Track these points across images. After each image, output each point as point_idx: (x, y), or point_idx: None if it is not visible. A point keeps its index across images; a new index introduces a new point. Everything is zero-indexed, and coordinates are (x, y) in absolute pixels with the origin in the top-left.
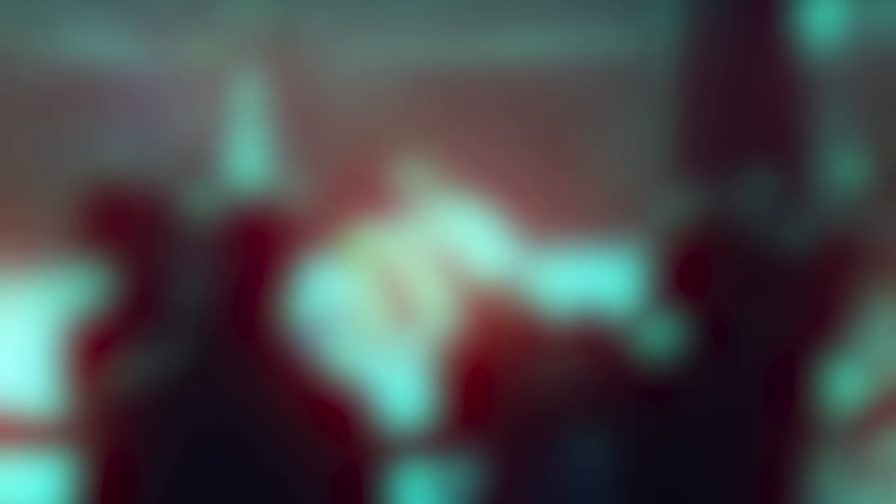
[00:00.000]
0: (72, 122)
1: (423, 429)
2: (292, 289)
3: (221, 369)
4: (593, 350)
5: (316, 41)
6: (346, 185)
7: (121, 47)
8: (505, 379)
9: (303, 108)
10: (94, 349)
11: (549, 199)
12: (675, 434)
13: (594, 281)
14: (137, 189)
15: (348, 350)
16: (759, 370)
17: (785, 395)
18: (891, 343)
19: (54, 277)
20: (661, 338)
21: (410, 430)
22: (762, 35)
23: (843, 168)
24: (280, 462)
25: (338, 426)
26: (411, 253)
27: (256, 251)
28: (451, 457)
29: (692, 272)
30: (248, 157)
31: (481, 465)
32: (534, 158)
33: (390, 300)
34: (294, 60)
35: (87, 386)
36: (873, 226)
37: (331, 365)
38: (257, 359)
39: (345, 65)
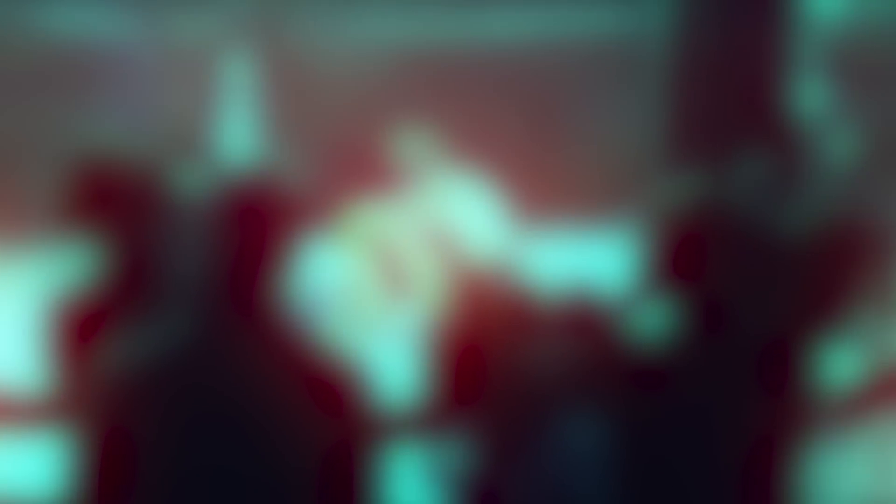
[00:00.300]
0: (61, 100)
1: (417, 407)
2: (284, 266)
3: (214, 347)
4: (585, 331)
5: (306, 17)
6: (338, 161)
7: (111, 25)
8: (497, 358)
9: (293, 84)
10: (87, 327)
11: (543, 179)
12: (667, 416)
13: (587, 262)
14: (128, 167)
15: (343, 328)
16: (753, 353)
17: (779, 377)
18: (885, 324)
19: (46, 255)
20: (655, 320)
21: (404, 408)
22: (758, 16)
23: (838, 150)
24: (274, 439)
25: (332, 404)
26: (404, 230)
27: (248, 228)
28: (443, 435)
29: (687, 254)
30: (238, 134)
31: (473, 444)
32: (528, 138)
33: (384, 277)
34: (284, 37)
35: (81, 364)
36: (867, 209)
37: (325, 343)
38: (251, 336)
39: (335, 41)
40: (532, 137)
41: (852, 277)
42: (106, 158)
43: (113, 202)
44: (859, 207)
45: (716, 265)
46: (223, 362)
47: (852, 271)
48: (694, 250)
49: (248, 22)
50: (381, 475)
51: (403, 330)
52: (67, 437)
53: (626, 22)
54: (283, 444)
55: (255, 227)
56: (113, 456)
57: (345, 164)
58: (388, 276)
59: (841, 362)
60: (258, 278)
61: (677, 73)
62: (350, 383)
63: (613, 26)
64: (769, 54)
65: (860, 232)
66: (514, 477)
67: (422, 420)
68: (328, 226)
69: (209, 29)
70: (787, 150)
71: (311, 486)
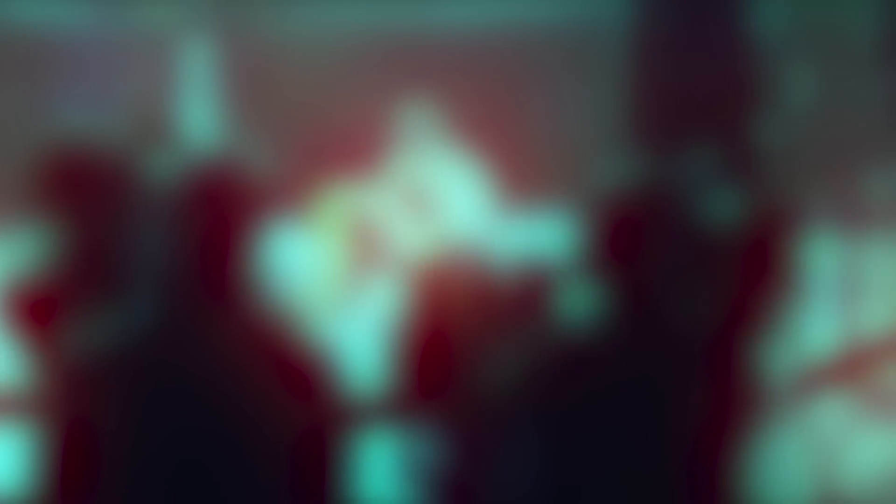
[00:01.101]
0: (23, 87)
1: (386, 393)
2: (252, 250)
3: (182, 332)
4: (535, 315)
5: (266, 2)
6: (303, 144)
7: (72, 10)
8: (465, 346)
9: (256, 68)
10: (52, 314)
11: (498, 164)
12: (606, 401)
13: (543, 244)
14: (92, 153)
15: (312, 312)
16: (692, 343)
17: (716, 365)
18: (822, 315)
19: (9, 242)
20: (595, 303)
21: (374, 393)
22: (713, 7)
23: (785, 144)
24: (243, 425)
25: (302, 389)
26: (369, 214)
27: (214, 213)
28: (411, 421)
29: (629, 239)
30: (202, 119)
31: (441, 431)
32: (486, 123)
33: (350, 261)
34: (247, 20)
35: (47, 352)
36: (801, 202)
37: (295, 328)
38: (219, 321)
39: (297, 24)
40: (489, 121)
41: (784, 271)
42: (69, 145)
43: (77, 188)
44: (797, 201)
45: (656, 251)
46: (191, 348)
47: (783, 264)
48: (635, 235)
49: (211, 6)
50: (352, 460)
51: (373, 314)
52: (34, 426)
53: (581, 11)
54: (253, 430)
55: (222, 212)
56: (80, 442)
57: (310, 147)
58: (354, 259)
59: (778, 353)
60: (226, 263)
61: (631, 62)
62: (320, 369)
63: (575, 12)
64: (724, 46)
65: (796, 225)
66: (483, 468)
67: (391, 406)
68: (295, 209)
69: (171, 13)
70: (736, 141)
71: (281, 471)
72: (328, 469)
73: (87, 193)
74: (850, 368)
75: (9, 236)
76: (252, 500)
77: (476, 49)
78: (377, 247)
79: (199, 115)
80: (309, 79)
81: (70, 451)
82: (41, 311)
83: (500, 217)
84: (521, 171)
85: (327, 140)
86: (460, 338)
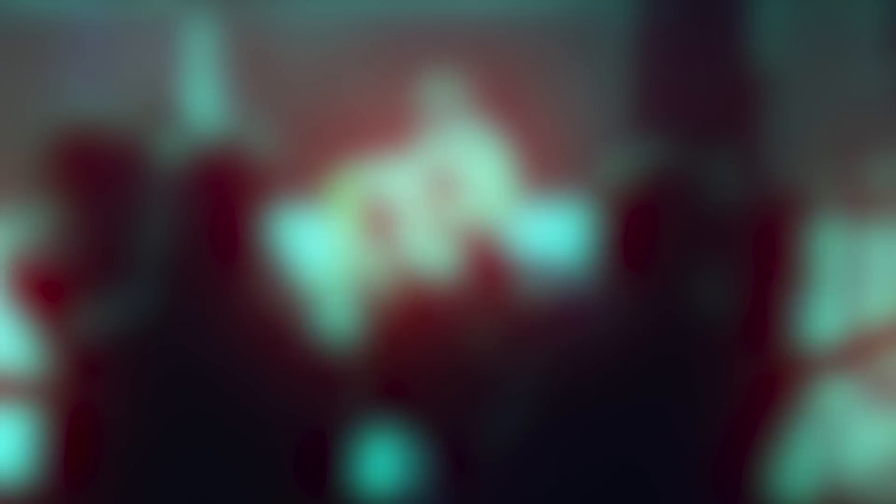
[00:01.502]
0: (30, 71)
1: (398, 379)
2: (259, 233)
3: (188, 317)
4: (550, 303)
5: None
6: (308, 127)
7: None
8: (477, 335)
9: (260, 50)
10: (57, 297)
11: (515, 145)
12: (622, 392)
13: (553, 229)
14: (99, 136)
15: (322, 295)
16: (705, 329)
17: (730, 355)
18: (828, 302)
19: (16, 224)
20: (608, 291)
21: (383, 380)
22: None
23: (791, 132)
24: (251, 411)
25: (313, 376)
26: (376, 196)
27: (220, 196)
28: (421, 412)
29: (643, 227)
30: (207, 101)
31: (448, 423)
32: (500, 102)
33: (359, 244)
34: (250, 2)
35: (52, 336)
36: (807, 190)
37: (304, 312)
38: (225, 307)
39: (304, 5)
40: (508, 101)
41: (790, 258)
42: (76, 128)
43: (82, 171)
44: (804, 189)
45: (670, 239)
46: (196, 331)
47: (790, 252)
48: (650, 222)
49: None
50: (357, 448)
51: (385, 300)
52: (39, 410)
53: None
54: (261, 417)
55: (228, 194)
56: (85, 427)
57: (317, 128)
58: (365, 242)
59: (784, 339)
60: (233, 247)
61: (639, 52)
62: (331, 353)
63: (577, 3)
64: (730, 39)
65: (802, 214)
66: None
67: (406, 392)
68: (303, 191)
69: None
70: (744, 133)
71: (287, 459)
72: (334, 455)
73: (92, 176)
74: (856, 355)
75: (15, 218)
76: (258, 487)
77: (487, 30)
78: (389, 229)
79: (204, 96)
80: (317, 58)
81: (74, 436)
82: (47, 293)
83: (516, 199)
84: (539, 153)
85: (335, 121)
86: (474, 325)
